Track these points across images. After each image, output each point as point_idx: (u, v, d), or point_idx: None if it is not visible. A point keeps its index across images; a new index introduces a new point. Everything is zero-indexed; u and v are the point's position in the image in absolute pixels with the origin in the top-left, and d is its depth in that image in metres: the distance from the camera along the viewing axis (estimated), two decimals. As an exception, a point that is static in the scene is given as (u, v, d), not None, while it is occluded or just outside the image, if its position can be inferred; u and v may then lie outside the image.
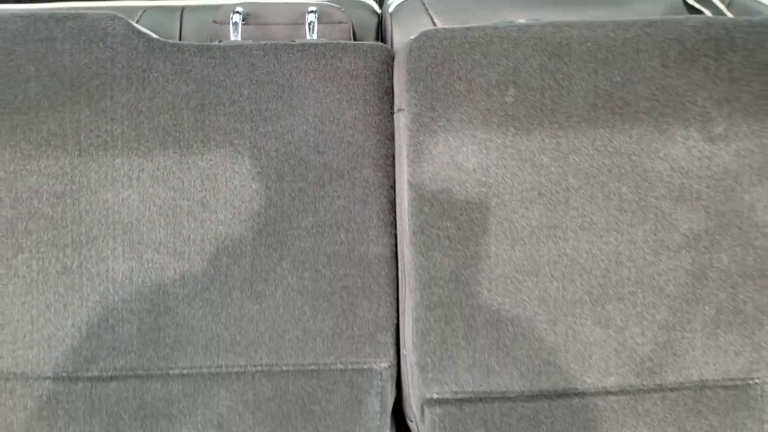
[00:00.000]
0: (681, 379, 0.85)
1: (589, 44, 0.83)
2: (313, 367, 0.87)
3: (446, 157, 0.82)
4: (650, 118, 0.83)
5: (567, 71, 0.82)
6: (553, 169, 0.83)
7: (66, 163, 0.83)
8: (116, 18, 0.85)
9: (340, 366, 0.87)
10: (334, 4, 1.05)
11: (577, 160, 0.83)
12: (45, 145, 0.83)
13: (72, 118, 0.83)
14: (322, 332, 0.86)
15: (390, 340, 0.87)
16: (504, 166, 0.83)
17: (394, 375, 0.89)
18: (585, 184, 0.83)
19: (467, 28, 0.84)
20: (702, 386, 0.86)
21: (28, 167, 0.83)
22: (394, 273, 0.87)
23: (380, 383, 0.87)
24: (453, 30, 0.84)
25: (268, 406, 0.86)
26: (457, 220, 0.83)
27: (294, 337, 0.86)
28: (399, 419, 0.97)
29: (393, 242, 0.87)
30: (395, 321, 0.88)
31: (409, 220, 0.84)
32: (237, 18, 0.99)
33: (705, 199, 0.84)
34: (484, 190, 0.83)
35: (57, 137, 0.83)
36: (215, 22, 1.01)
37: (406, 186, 0.84)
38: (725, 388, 0.86)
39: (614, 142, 0.83)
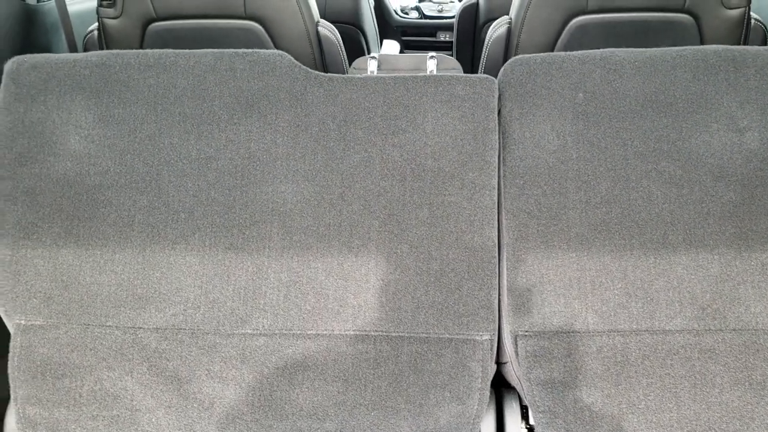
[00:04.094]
0: (738, 323, 1.01)
1: (636, 63, 1.08)
2: (423, 334, 1.05)
3: (532, 142, 1.06)
4: (687, 114, 1.06)
5: (621, 81, 1.08)
6: (615, 151, 1.05)
7: (238, 163, 1.07)
8: (282, 55, 1.10)
9: (447, 335, 1.05)
10: (447, 55, 1.31)
11: (634, 143, 1.05)
12: (223, 149, 1.08)
13: (245, 129, 1.08)
14: (433, 306, 1.05)
15: (490, 316, 1.05)
16: (577, 149, 1.06)
17: (494, 346, 1.06)
18: (641, 162, 1.05)
19: (546, 54, 1.11)
20: (756, 328, 1.00)
21: (209, 165, 1.07)
22: (495, 260, 1.06)
23: (482, 352, 1.04)
24: (536, 55, 1.10)
25: (386, 364, 1.04)
26: (542, 188, 1.05)
27: (409, 308, 1.05)
28: (495, 387, 1.13)
29: (494, 234, 1.06)
30: (495, 300, 1.05)
31: (503, 189, 1.06)
32: (373, 65, 1.25)
33: (739, 176, 1.03)
34: (562, 166, 1.06)
35: (233, 143, 1.08)
36: (354, 68, 1.28)
37: (501, 165, 1.06)
38: None
39: (661, 130, 1.06)
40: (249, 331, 1.05)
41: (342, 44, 1.78)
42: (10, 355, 1.05)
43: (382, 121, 1.07)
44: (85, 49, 1.72)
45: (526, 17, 1.71)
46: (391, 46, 2.82)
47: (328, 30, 1.74)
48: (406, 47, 3.78)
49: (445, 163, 1.06)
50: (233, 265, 1.06)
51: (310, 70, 1.10)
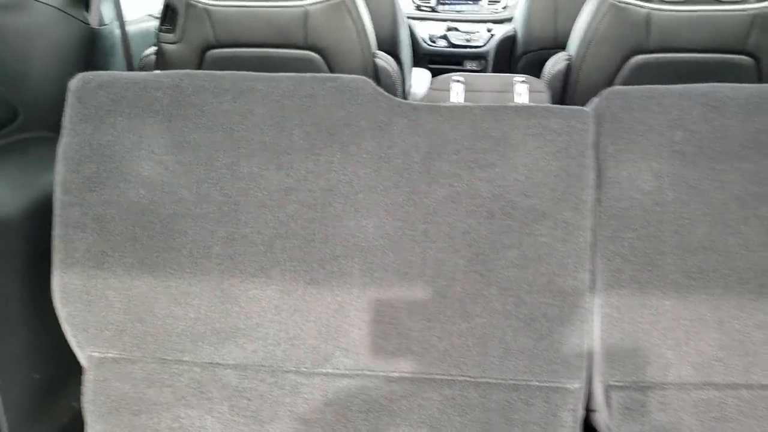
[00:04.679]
0: None
1: (740, 100, 1.02)
2: (512, 381, 0.99)
3: (627, 181, 1.00)
4: None
5: (722, 119, 1.02)
6: (714, 194, 0.99)
7: (318, 195, 1.03)
8: (365, 81, 1.06)
9: (536, 383, 0.99)
10: (533, 77, 1.26)
11: (734, 187, 0.99)
12: (303, 180, 1.04)
13: (326, 160, 1.04)
14: (522, 352, 0.99)
15: (582, 364, 0.99)
16: (674, 190, 1.00)
17: (586, 395, 1.00)
18: (740, 207, 0.99)
19: (645, 87, 1.05)
20: None
21: (288, 197, 1.03)
22: (588, 305, 1.00)
23: (573, 401, 0.98)
24: (633, 88, 1.05)
25: (474, 412, 0.98)
26: (637, 231, 0.99)
27: (497, 353, 0.99)
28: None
29: (587, 278, 1.01)
30: (588, 348, 1.00)
31: (597, 231, 1.00)
32: (458, 87, 1.20)
33: None
34: (658, 209, 1.00)
35: (313, 174, 1.03)
36: (433, 89, 1.23)
37: (596, 205, 1.00)
38: None
39: (763, 173, 1.00)
40: (330, 371, 1.00)
41: (398, 75, 1.75)
42: (84, 388, 1.00)
43: (469, 153, 1.03)
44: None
45: (587, 54, 1.68)
46: (422, 75, 2.81)
47: (385, 61, 1.72)
48: (432, 75, 3.78)
49: (536, 201, 1.01)
50: (313, 301, 1.01)
51: (392, 97, 1.07)
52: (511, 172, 1.02)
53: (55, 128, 1.45)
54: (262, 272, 1.02)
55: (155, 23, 1.97)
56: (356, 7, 1.62)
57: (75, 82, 1.07)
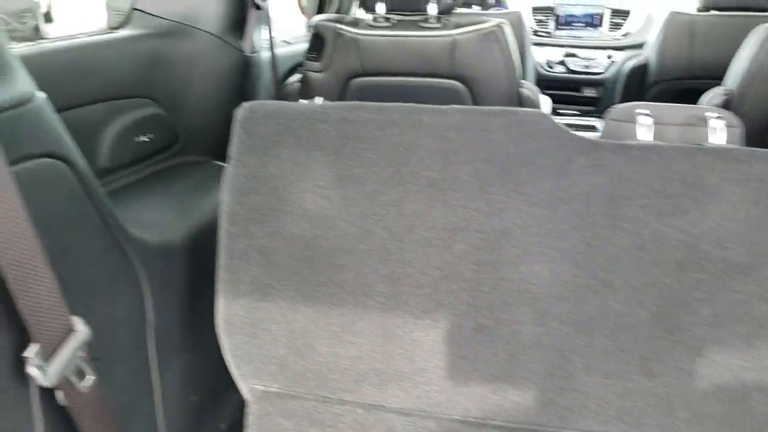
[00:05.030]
0: None
1: None
2: None
3: None
4: None
5: None
6: None
7: (489, 237, 0.98)
8: (543, 115, 1.01)
9: (729, 455, 0.89)
10: (724, 110, 1.17)
11: None
12: (472, 220, 0.99)
13: (498, 199, 0.99)
14: (713, 417, 0.90)
15: None
16: None
17: None
18: None
19: None
20: None
21: (456, 237, 0.99)
22: None
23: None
24: None
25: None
26: None
27: (683, 417, 0.91)
28: None
29: None
30: None
31: None
32: (647, 121, 1.12)
33: None
34: None
35: (483, 214, 0.99)
36: (613, 119, 1.16)
37: None
38: None
39: None
40: (500, 423, 0.94)
41: (541, 105, 1.70)
42: (248, 421, 0.99)
43: (659, 198, 0.95)
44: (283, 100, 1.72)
45: (750, 90, 1.56)
46: (544, 102, 2.74)
47: (530, 90, 1.66)
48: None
49: (733, 253, 0.92)
50: (481, 349, 0.96)
51: (574, 133, 1.00)
52: (705, 221, 0.94)
53: (209, 152, 1.49)
54: (427, 314, 0.98)
55: (290, 49, 2.01)
56: (505, 37, 1.58)
57: (242, 112, 1.06)
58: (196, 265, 1.15)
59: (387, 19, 1.61)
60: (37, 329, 0.70)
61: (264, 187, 1.04)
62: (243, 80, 1.55)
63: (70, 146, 0.79)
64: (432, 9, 1.58)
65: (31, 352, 0.70)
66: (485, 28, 1.56)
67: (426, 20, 1.59)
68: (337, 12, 2.60)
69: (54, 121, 0.76)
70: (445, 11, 1.59)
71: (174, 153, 1.40)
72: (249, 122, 1.05)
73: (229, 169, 1.05)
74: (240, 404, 1.26)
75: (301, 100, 1.14)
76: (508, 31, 1.60)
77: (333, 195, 1.02)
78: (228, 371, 1.07)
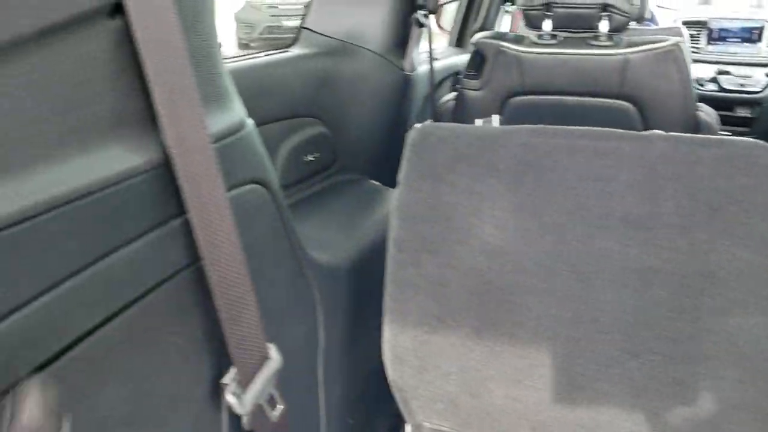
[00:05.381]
0: None
1: None
2: None
3: None
4: None
5: None
6: None
7: (690, 282, 0.88)
8: (763, 147, 0.89)
9: None
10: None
11: None
12: (671, 262, 0.90)
13: (704, 240, 0.89)
14: None
15: None
16: None
17: None
18: None
19: None
20: None
21: (652, 280, 0.90)
22: None
23: None
24: None
25: None
26: None
27: None
28: None
29: None
30: None
31: None
32: None
33: None
34: None
35: (685, 256, 0.89)
36: None
37: None
38: None
39: None
40: None
41: (719, 130, 1.56)
42: None
43: None
44: (435, 119, 1.69)
45: None
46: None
47: (707, 114, 1.53)
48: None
49: None
50: (677, 406, 0.87)
51: None
52: None
53: (365, 171, 1.48)
54: (618, 364, 0.90)
55: (436, 65, 1.97)
56: (683, 56, 1.46)
57: (414, 136, 1.01)
58: (361, 287, 1.13)
59: (553, 36, 1.53)
60: (238, 356, 0.69)
61: (437, 216, 0.98)
62: (400, 99, 1.53)
63: (272, 171, 0.78)
64: (603, 26, 1.49)
65: (229, 378, 0.70)
66: (662, 47, 1.45)
67: (596, 37, 1.50)
68: (482, 28, 2.55)
69: (260, 146, 0.75)
70: (617, 29, 1.50)
71: (333, 172, 1.40)
72: (421, 146, 1.01)
73: (399, 194, 1.01)
74: (391, 429, 1.22)
75: (477, 122, 1.09)
76: (686, 49, 1.49)
77: (512, 228, 0.96)
78: (383, 396, 1.03)
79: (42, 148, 0.42)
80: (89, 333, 0.50)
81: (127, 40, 0.48)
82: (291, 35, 1.46)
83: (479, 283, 0.96)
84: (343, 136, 1.41)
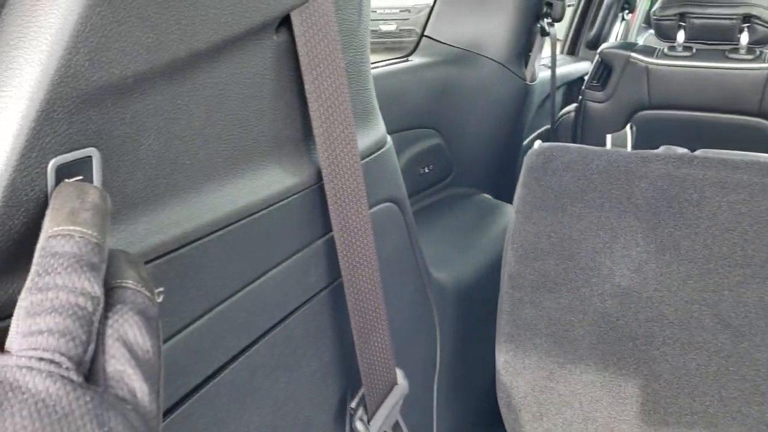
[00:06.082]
0: None
1: None
2: None
3: None
4: None
5: None
6: None
7: None
8: None
9: None
10: None
11: None
12: None
13: None
14: None
15: None
16: None
17: None
18: None
19: None
20: None
21: None
22: None
23: None
24: None
25: None
26: None
27: None
28: None
29: None
30: None
31: None
32: None
33: None
34: None
35: None
36: None
37: None
38: None
39: None
40: None
41: None
42: None
43: None
44: (553, 131, 1.62)
45: None
46: None
47: None
48: None
49: None
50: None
51: None
52: None
53: (479, 185, 1.43)
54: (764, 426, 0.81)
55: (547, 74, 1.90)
56: None
57: (533, 158, 0.91)
58: (477, 307, 1.09)
59: (687, 48, 1.43)
60: (367, 380, 0.67)
61: (559, 251, 0.89)
62: (519, 109, 1.48)
63: (403, 188, 0.75)
64: (744, 38, 1.38)
65: (356, 403, 0.67)
66: (814, 61, 1.33)
67: (736, 50, 1.39)
68: (597, 36, 2.45)
69: (396, 163, 0.73)
70: (760, 41, 1.38)
71: (447, 184, 1.36)
72: (543, 171, 0.90)
73: (515, 224, 0.91)
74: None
75: (608, 138, 1.00)
76: None
77: (649, 270, 0.85)
78: (496, 422, 0.98)
79: (209, 169, 0.41)
80: (237, 356, 0.48)
81: (289, 56, 0.46)
82: (388, 39, 1.43)
83: (608, 329, 0.87)
84: (459, 147, 1.37)
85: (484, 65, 1.36)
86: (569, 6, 2.56)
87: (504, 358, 0.93)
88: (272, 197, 0.47)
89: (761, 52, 1.39)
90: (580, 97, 1.55)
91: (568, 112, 1.60)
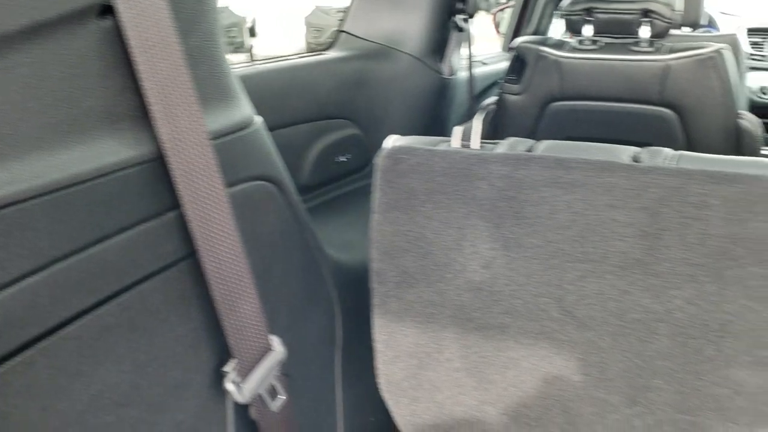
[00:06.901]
0: None
1: None
2: None
3: None
4: None
5: None
6: None
7: (696, 333, 0.78)
8: None
9: None
10: None
11: None
12: (677, 311, 0.78)
13: (713, 290, 0.78)
14: None
15: None
16: None
17: None
18: None
19: None
20: None
21: (654, 328, 0.79)
22: None
23: None
24: None
25: None
26: None
27: None
28: None
29: None
30: None
31: None
32: None
33: None
34: None
35: (694, 307, 0.77)
36: None
37: None
38: None
39: None
40: None
41: (762, 138, 1.49)
42: None
43: None
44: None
45: None
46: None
47: (749, 122, 1.47)
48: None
49: None
50: None
51: None
52: None
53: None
54: (616, 411, 0.86)
55: (485, 70, 1.97)
56: (724, 64, 1.41)
57: (383, 161, 0.90)
58: None
59: (594, 42, 1.51)
60: (237, 346, 0.72)
61: (415, 249, 0.91)
62: (439, 103, 1.54)
63: (281, 168, 0.80)
64: (644, 32, 1.46)
65: (230, 367, 0.72)
66: (703, 54, 1.41)
67: (637, 44, 1.47)
68: (534, 33, 2.53)
69: (269, 144, 0.78)
70: (659, 35, 1.46)
71: (365, 174, 1.42)
72: (393, 173, 0.90)
73: (375, 224, 0.93)
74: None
75: (455, 130, 0.98)
76: (728, 57, 1.44)
77: (497, 265, 0.87)
78: None
79: (32, 139, 0.46)
80: (82, 314, 0.53)
81: (117, 39, 0.51)
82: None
83: (466, 321, 0.91)
84: (377, 138, 1.43)
85: (400, 59, 1.42)
86: (510, 6, 2.64)
87: (379, 348, 0.97)
88: (106, 167, 0.52)
89: (660, 45, 1.47)
90: (499, 90, 1.61)
91: (490, 105, 1.67)
